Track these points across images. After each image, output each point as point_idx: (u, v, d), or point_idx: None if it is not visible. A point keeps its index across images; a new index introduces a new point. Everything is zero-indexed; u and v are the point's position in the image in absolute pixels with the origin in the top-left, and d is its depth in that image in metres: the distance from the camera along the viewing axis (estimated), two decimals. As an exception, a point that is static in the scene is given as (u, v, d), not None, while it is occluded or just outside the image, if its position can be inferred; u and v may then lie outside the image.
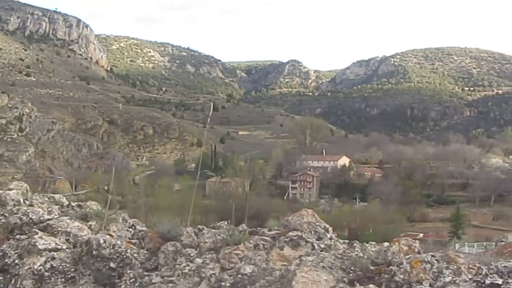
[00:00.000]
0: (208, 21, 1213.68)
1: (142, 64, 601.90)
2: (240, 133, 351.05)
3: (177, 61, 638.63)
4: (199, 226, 7.87)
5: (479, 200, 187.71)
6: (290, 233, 6.98)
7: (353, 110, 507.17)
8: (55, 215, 8.39)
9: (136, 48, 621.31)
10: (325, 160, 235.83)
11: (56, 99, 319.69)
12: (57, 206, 8.84)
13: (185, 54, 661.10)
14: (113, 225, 8.02)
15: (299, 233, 6.96)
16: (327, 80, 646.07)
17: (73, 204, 9.13)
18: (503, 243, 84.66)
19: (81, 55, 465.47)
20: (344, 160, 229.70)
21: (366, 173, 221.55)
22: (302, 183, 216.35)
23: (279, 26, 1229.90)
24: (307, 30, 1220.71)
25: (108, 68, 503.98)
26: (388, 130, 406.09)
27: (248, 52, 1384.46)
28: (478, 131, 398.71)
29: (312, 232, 7.15)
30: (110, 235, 7.61)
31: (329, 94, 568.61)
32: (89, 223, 8.08)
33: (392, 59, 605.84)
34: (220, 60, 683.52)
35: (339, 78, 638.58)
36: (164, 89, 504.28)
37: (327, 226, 7.69)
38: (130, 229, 8.18)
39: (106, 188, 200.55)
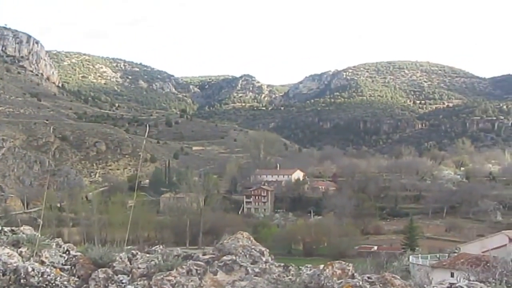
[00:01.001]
0: (160, 36, 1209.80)
1: (94, 80, 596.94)
2: (194, 148, 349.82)
3: (130, 77, 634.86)
4: (132, 251, 7.45)
5: (431, 212, 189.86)
6: (225, 257, 6.72)
7: (306, 124, 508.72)
8: (-15, 241, 7.93)
9: (88, 64, 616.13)
10: (279, 174, 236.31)
11: (7, 116, 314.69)
12: (-12, 232, 8.36)
13: (137, 69, 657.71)
14: (45, 251, 7.55)
15: (234, 257, 6.70)
16: (280, 94, 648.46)
17: (6, 229, 8.58)
18: (455, 254, 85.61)
19: (31, 71, 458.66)
20: (298, 174, 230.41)
21: (320, 187, 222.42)
22: (257, 197, 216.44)
23: (232, 41, 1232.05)
24: (260, 45, 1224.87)
25: (60, 84, 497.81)
26: (341, 143, 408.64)
27: (201, 67, 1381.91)
28: (429, 144, 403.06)
29: (247, 256, 6.90)
30: (42, 261, 7.19)
31: (282, 108, 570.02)
32: (21, 249, 7.52)
33: (344, 73, 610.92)
34: (173, 75, 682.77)
35: (292, 92, 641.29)
36: (116, 105, 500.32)
37: (263, 249, 7.38)
38: (64, 255, 7.69)
39: (58, 205, 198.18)
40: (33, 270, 6.44)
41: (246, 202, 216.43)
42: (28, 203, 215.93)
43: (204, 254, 7.13)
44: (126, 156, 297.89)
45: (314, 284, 5.96)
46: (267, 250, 7.13)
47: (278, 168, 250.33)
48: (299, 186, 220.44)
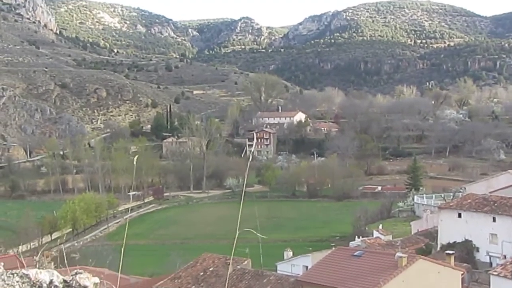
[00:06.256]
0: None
1: (92, 26, 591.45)
2: (195, 92, 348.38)
3: (128, 22, 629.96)
4: None
5: (434, 151, 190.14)
6: None
7: (307, 66, 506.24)
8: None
9: (85, 10, 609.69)
10: (281, 116, 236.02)
11: (5, 65, 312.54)
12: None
13: (135, 14, 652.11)
14: None
15: None
16: (280, 36, 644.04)
17: (56, 282, 5.09)
18: (460, 194, 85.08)
19: (28, 19, 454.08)
20: (300, 116, 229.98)
21: (322, 128, 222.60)
22: (259, 140, 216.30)
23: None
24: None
25: (57, 31, 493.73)
26: (342, 84, 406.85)
27: (199, 10, 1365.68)
28: (431, 83, 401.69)
29: None
30: None
31: (282, 50, 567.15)
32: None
33: (345, 14, 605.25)
34: (171, 19, 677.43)
35: (292, 34, 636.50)
36: (115, 50, 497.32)
37: None
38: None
39: (61, 153, 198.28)
40: None
41: (249, 145, 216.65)
42: (31, 152, 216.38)
43: None
44: (127, 102, 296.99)
45: None
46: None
47: (279, 110, 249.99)
48: (301, 128, 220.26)
